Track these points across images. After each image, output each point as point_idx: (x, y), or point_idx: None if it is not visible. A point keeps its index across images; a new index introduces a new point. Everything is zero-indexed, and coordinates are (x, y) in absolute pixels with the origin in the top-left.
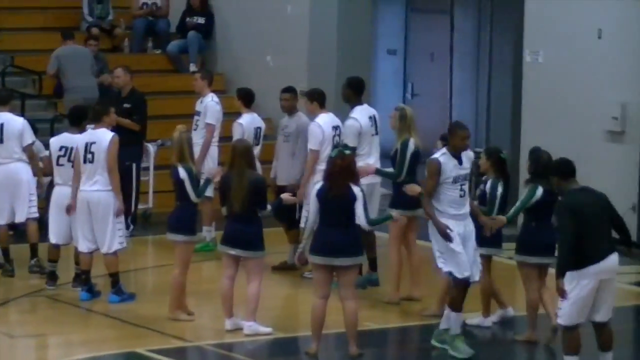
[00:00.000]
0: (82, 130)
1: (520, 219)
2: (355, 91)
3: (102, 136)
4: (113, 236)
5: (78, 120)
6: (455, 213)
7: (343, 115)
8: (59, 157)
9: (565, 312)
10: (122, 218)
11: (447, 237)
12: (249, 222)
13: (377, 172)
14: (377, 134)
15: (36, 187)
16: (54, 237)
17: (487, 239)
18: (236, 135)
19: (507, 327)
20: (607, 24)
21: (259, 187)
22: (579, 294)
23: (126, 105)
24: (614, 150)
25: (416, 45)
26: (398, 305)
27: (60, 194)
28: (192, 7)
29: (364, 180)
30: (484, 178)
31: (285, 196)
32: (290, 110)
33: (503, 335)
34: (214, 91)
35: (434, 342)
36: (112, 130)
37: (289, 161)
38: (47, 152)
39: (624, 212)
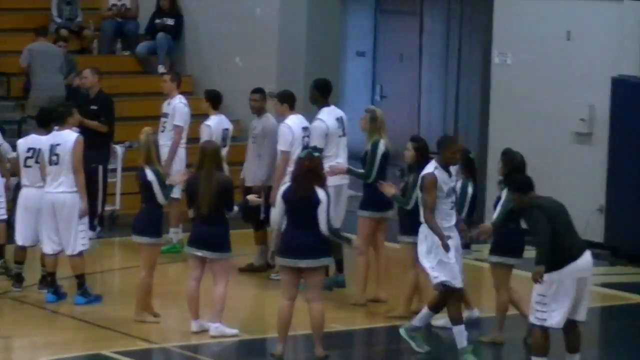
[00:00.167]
0: (50, 132)
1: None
2: (322, 92)
3: (66, 137)
4: (76, 237)
5: (46, 121)
6: (447, 225)
7: (311, 117)
8: (26, 158)
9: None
10: (86, 219)
11: (446, 248)
12: (216, 223)
13: (348, 171)
14: (344, 135)
15: (4, 189)
16: (20, 239)
17: None
18: (204, 137)
19: (473, 328)
20: (575, 26)
21: (226, 189)
22: (558, 294)
23: (93, 107)
24: (582, 151)
25: (385, 47)
26: (364, 306)
27: (28, 195)
28: (161, 9)
29: (331, 182)
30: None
31: (251, 197)
32: (260, 111)
33: (469, 336)
34: (182, 93)
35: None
36: (79, 132)
37: (255, 162)
38: (14, 154)
39: (591, 213)
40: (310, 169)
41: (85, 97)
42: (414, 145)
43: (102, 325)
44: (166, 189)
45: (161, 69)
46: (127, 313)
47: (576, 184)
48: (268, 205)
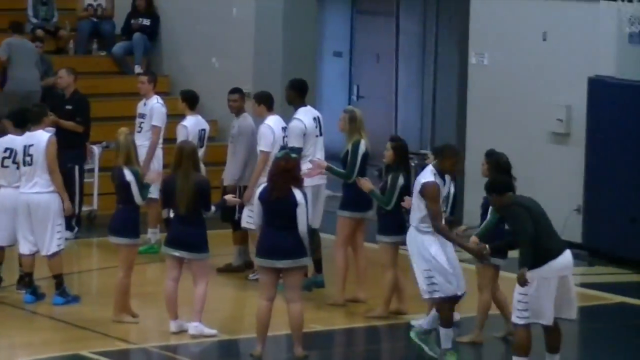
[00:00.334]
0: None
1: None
2: (298, 93)
3: (39, 138)
4: (52, 238)
5: (23, 122)
6: None
7: (287, 117)
8: (3, 158)
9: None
10: (62, 220)
11: (483, 258)
12: (194, 223)
13: (329, 169)
14: (321, 135)
15: None
16: None
17: None
18: (180, 137)
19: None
20: (552, 27)
21: (203, 189)
22: (540, 292)
23: (68, 107)
24: (559, 151)
25: (362, 47)
26: (343, 306)
27: (4, 195)
28: (137, 9)
29: (309, 182)
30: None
31: (228, 197)
32: (238, 111)
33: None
34: (158, 93)
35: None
36: (55, 133)
37: (232, 161)
38: None
39: (569, 213)
40: (286, 170)
41: (60, 97)
42: (393, 145)
43: (80, 325)
44: (144, 189)
45: (138, 69)
46: (106, 313)
47: (554, 184)
48: (243, 205)
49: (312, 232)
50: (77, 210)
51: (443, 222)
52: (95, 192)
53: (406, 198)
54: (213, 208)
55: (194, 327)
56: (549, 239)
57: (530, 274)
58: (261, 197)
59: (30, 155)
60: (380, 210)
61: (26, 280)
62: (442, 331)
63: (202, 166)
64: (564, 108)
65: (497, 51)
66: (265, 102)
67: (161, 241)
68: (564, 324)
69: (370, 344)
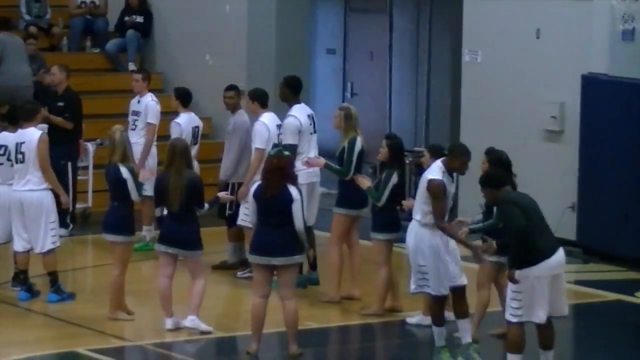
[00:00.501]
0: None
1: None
2: (292, 90)
3: (31, 135)
4: (46, 236)
5: (16, 119)
6: None
7: (282, 115)
8: None
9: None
10: (56, 217)
11: (480, 259)
12: (187, 221)
13: (326, 166)
14: (315, 132)
15: None
16: None
17: None
18: (174, 134)
19: (447, 326)
20: (545, 24)
21: (196, 186)
22: (534, 290)
23: (60, 104)
24: (553, 149)
25: (355, 45)
26: (338, 304)
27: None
28: (131, 6)
29: (303, 179)
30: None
31: (222, 194)
32: (234, 108)
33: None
34: (151, 90)
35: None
36: (48, 129)
37: (226, 158)
38: None
39: (563, 211)
40: (279, 167)
41: (52, 94)
42: (388, 143)
43: (75, 322)
44: (140, 186)
45: (131, 66)
46: (101, 311)
47: (548, 182)
48: (238, 203)
49: (307, 230)
50: (70, 208)
51: (446, 218)
52: (90, 190)
53: (408, 199)
54: (206, 205)
55: (190, 319)
56: (541, 237)
57: (524, 273)
58: (255, 195)
59: (22, 153)
60: (375, 207)
61: (21, 278)
62: (435, 330)
63: (195, 164)
64: (557, 105)
65: (491, 49)
66: (259, 99)
67: (156, 238)
68: (557, 321)
69: (365, 342)
